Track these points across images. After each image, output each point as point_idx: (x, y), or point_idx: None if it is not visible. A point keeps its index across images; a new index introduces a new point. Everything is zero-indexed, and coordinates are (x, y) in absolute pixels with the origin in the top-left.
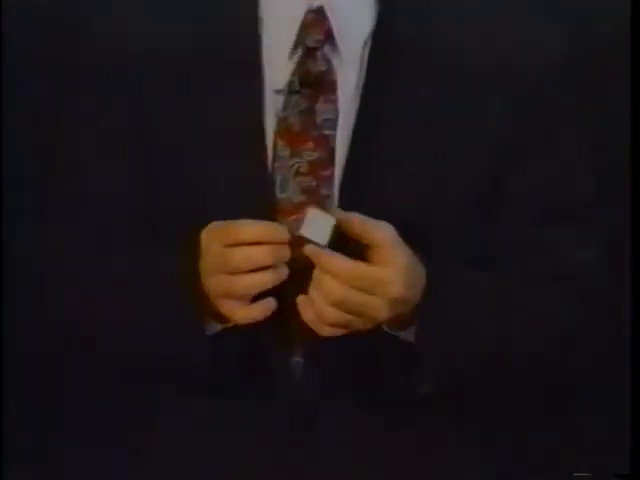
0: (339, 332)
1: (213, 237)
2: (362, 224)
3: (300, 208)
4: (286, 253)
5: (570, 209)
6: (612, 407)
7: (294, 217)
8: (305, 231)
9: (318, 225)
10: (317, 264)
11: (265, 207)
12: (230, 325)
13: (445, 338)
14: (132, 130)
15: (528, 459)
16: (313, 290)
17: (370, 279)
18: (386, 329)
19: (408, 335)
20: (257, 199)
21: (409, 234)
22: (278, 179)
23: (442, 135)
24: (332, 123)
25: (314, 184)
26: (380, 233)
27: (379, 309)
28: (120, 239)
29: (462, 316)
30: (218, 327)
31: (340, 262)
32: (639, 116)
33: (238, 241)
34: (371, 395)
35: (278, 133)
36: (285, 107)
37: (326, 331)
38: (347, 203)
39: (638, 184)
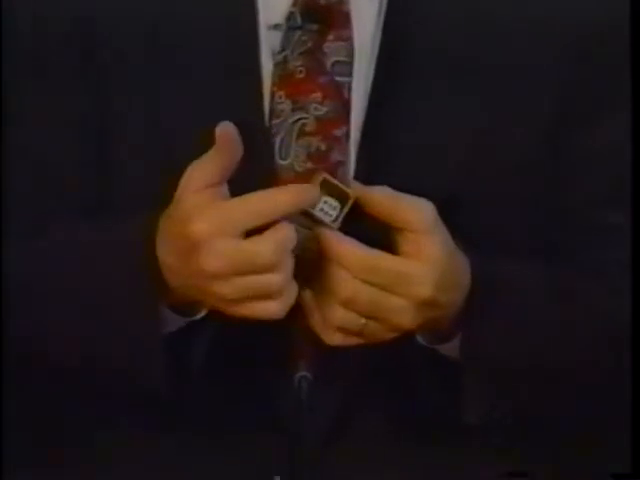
0: (351, 341)
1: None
2: (393, 201)
3: (305, 178)
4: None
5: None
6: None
7: None
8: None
9: (329, 200)
10: (325, 251)
11: (260, 177)
12: (199, 317)
13: (498, 354)
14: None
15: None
16: (320, 285)
17: (391, 273)
18: (420, 340)
19: (450, 349)
20: (249, 167)
21: (446, 218)
22: (277, 141)
23: (490, 88)
24: (346, 67)
25: (323, 147)
26: (416, 214)
27: (401, 313)
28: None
29: (520, 326)
30: (181, 321)
31: (352, 249)
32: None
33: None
34: (399, 426)
35: (276, 81)
36: (284, 47)
37: (334, 338)
38: (366, 173)
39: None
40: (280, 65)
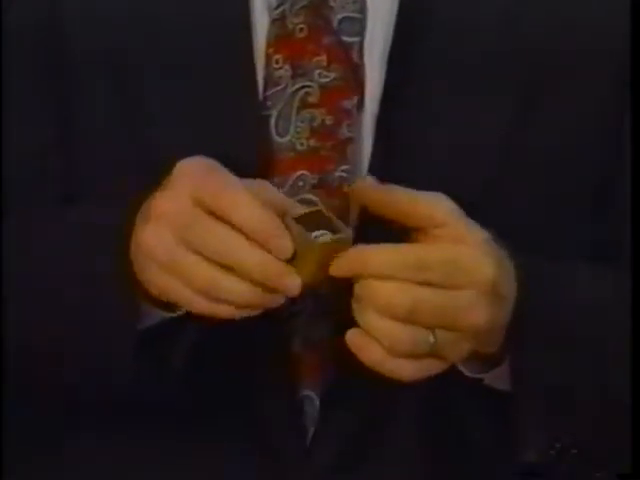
0: (428, 368)
1: (196, 179)
2: (409, 199)
3: (308, 158)
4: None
5: None
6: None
7: (300, 173)
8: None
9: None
10: (353, 268)
11: (254, 159)
12: (177, 315)
13: (557, 375)
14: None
15: None
16: (362, 314)
17: (445, 264)
18: (460, 368)
19: (496, 379)
20: (241, 146)
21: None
22: (274, 114)
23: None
24: (356, 25)
25: (329, 121)
26: (438, 207)
27: (473, 308)
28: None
29: (581, 340)
30: (158, 316)
31: (386, 252)
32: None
33: (224, 215)
34: (432, 464)
35: (272, 41)
36: (282, 0)
37: (406, 370)
38: (385, 154)
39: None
40: (277, 22)
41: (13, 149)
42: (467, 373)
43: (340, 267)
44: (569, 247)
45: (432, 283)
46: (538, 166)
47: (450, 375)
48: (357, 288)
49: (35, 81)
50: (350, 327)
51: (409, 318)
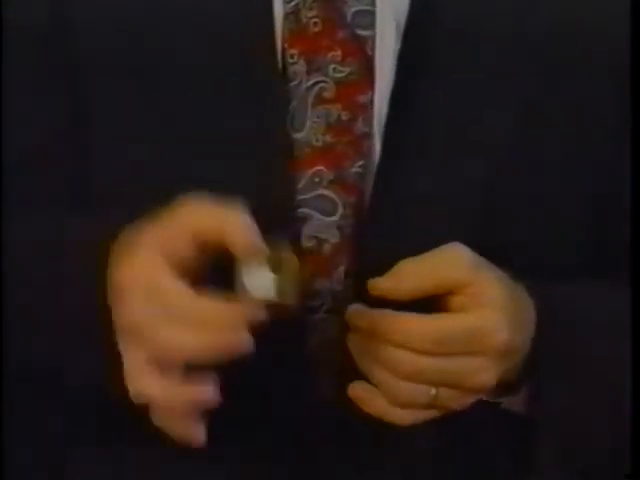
0: (424, 415)
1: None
2: (423, 269)
3: (324, 154)
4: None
5: None
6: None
7: (316, 169)
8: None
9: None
10: (371, 329)
11: (271, 155)
12: None
13: (576, 403)
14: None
15: None
16: (371, 368)
17: (462, 336)
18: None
19: (514, 403)
20: (257, 142)
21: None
22: (290, 109)
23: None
24: (368, 18)
25: (345, 116)
26: (454, 270)
27: (480, 372)
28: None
29: (600, 364)
30: None
31: (408, 323)
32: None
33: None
34: None
35: (286, 36)
36: None
37: (404, 418)
38: (395, 153)
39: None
40: (291, 16)
41: (21, 145)
42: (484, 397)
43: (359, 321)
44: (570, 259)
45: (447, 353)
46: (545, 164)
47: None
48: (366, 344)
49: (46, 81)
50: None
51: (412, 380)
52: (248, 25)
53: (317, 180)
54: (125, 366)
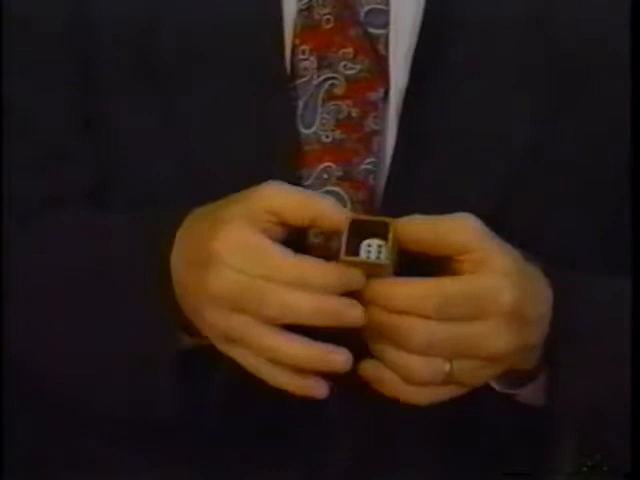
0: (444, 394)
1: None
2: (432, 227)
3: (334, 150)
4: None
5: None
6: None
7: (325, 165)
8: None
9: (368, 241)
10: (374, 300)
11: (280, 151)
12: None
13: (597, 393)
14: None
15: None
16: (379, 344)
17: (467, 299)
18: (493, 385)
19: (531, 395)
20: (267, 138)
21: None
22: (300, 105)
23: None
24: (381, 16)
25: (355, 113)
26: (460, 235)
27: (492, 337)
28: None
29: (617, 359)
30: (188, 341)
31: (414, 289)
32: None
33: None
34: None
35: (298, 32)
36: None
37: (422, 397)
38: (407, 149)
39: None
40: (303, 13)
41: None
42: (499, 389)
43: (364, 295)
44: (584, 259)
45: (452, 318)
46: (562, 163)
47: (480, 392)
48: (373, 318)
49: (63, 79)
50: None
51: (425, 352)
52: (257, 22)
53: (326, 176)
54: (225, 333)
